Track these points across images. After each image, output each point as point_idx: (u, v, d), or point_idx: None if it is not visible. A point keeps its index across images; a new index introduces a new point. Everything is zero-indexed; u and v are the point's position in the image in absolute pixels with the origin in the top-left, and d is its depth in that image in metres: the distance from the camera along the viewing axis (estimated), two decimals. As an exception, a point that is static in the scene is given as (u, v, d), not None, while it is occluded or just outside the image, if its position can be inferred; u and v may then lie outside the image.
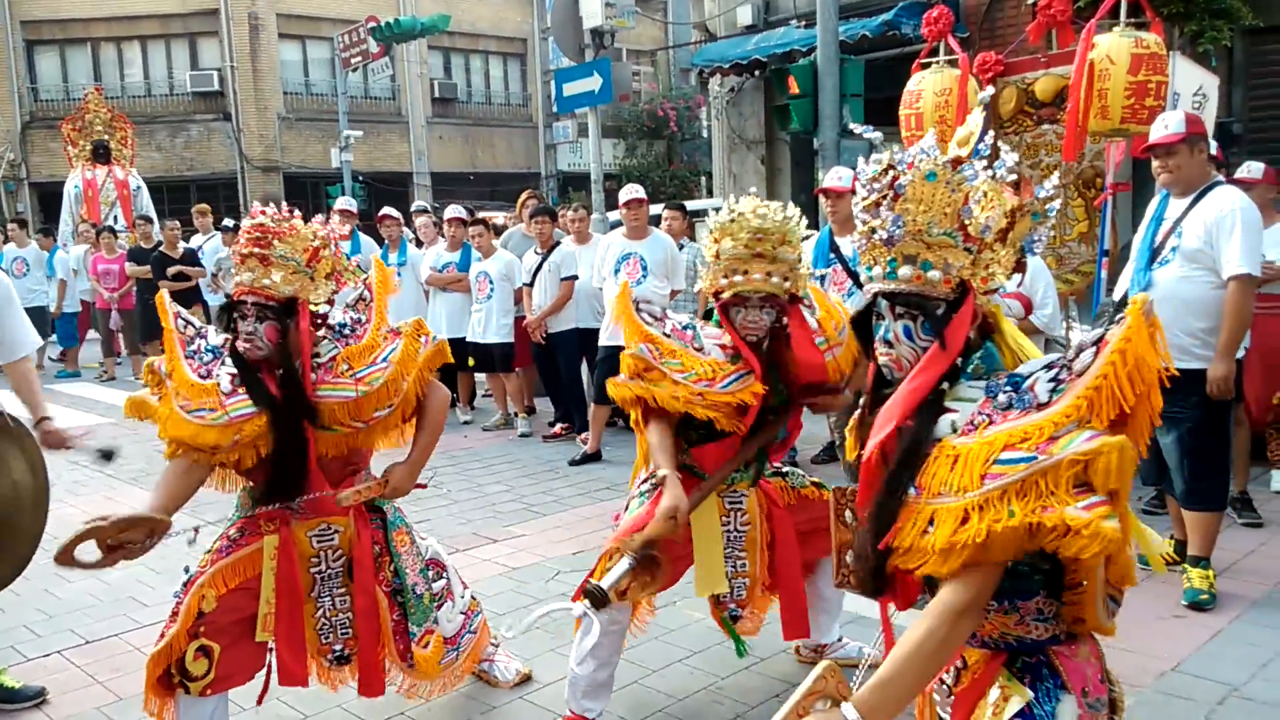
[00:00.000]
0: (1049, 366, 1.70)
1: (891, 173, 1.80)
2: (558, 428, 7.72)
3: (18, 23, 21.53)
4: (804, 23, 10.33)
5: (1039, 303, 5.04)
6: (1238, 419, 5.21)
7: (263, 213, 2.79)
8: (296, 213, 2.86)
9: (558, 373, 7.62)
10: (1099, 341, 1.65)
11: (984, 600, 1.68)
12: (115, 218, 13.85)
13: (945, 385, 1.76)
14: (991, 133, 1.86)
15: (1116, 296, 4.36)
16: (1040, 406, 1.64)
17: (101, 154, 14.46)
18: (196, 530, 2.80)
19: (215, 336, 2.83)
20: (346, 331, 2.91)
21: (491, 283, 7.78)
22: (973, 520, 1.59)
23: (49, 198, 20.20)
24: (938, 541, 1.62)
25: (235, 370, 2.74)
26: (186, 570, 2.84)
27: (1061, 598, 1.77)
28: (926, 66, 6.19)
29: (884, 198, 1.80)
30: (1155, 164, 4.15)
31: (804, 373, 2.99)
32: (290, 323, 2.76)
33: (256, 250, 2.73)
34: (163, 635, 2.76)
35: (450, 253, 8.27)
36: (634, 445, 3.27)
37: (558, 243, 7.48)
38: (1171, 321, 4.02)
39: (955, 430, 1.70)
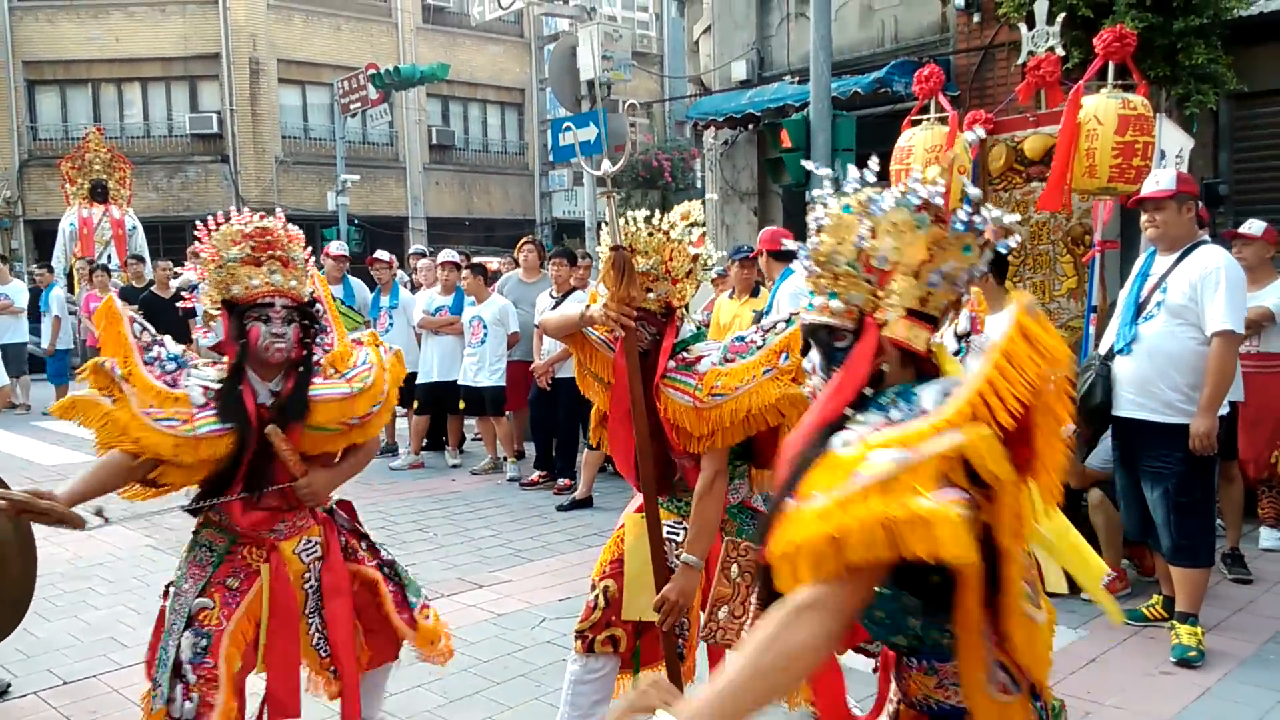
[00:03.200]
0: (947, 382, 1.65)
1: (818, 208, 1.81)
2: (535, 475, 7.69)
3: (20, 62, 21.71)
4: (797, 78, 10.50)
5: None
6: (1231, 476, 5.24)
7: (263, 216, 2.82)
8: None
9: (550, 419, 7.60)
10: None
11: (839, 607, 1.50)
12: (109, 256, 13.90)
13: (849, 412, 1.69)
14: (968, 186, 1.83)
15: (1103, 351, 4.40)
16: (925, 415, 1.57)
17: (99, 193, 14.55)
18: (101, 513, 2.67)
19: (174, 345, 2.77)
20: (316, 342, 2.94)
21: (485, 327, 7.80)
22: (831, 516, 1.46)
23: (44, 235, 20.21)
24: (795, 537, 1.48)
25: (210, 382, 2.70)
26: (198, 634, 2.69)
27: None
28: (917, 123, 6.29)
29: (810, 234, 1.82)
30: (1144, 218, 4.24)
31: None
32: (310, 324, 2.81)
33: (275, 253, 2.75)
34: (203, 701, 2.64)
35: (443, 296, 8.30)
36: (626, 491, 3.27)
37: (575, 288, 7.42)
38: (1156, 376, 4.08)
39: (844, 444, 1.61)
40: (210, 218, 2.79)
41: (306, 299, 2.81)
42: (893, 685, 1.87)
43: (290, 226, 2.85)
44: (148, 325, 2.77)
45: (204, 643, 2.68)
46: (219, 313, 2.77)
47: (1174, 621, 4.16)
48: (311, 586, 2.92)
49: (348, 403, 2.80)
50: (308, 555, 2.91)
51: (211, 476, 2.69)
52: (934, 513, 1.38)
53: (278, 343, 2.70)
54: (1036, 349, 1.50)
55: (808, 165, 2.22)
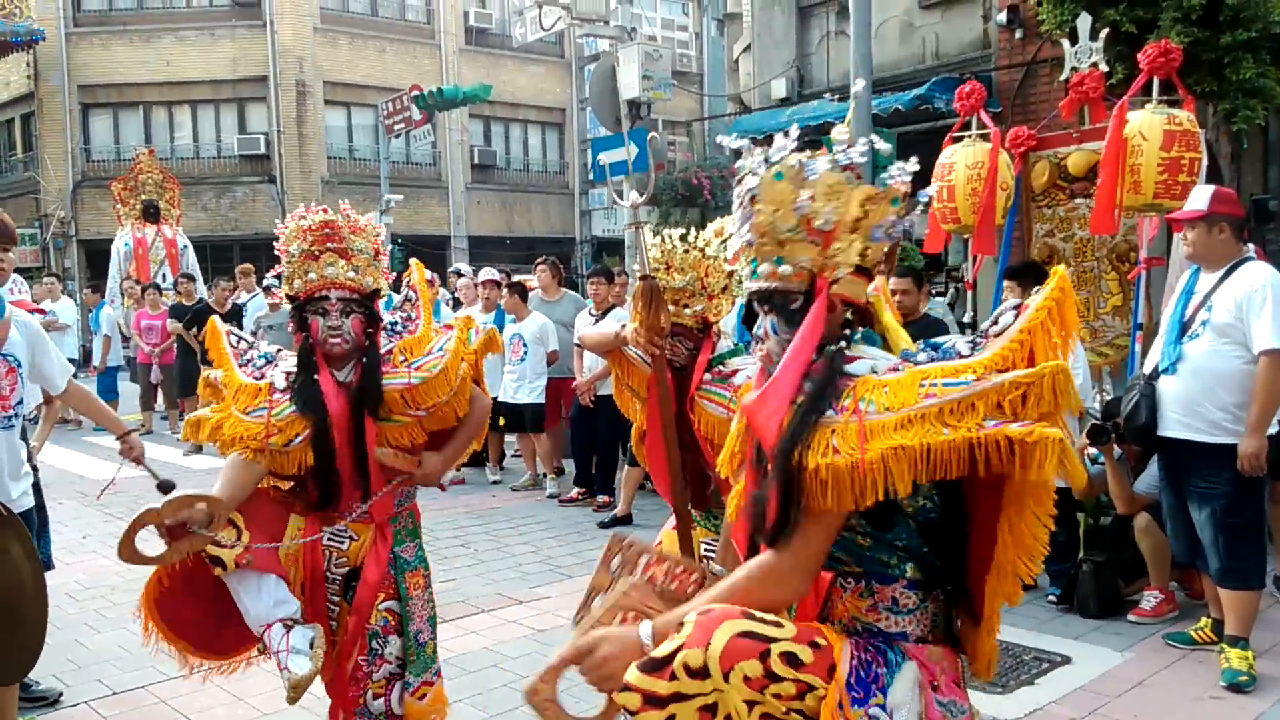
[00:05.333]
0: (963, 336, 1.77)
1: (749, 179, 1.87)
2: (574, 492, 7.72)
3: (75, 86, 22.29)
4: (837, 96, 10.49)
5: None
6: (1277, 497, 5.13)
7: (324, 210, 2.84)
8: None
9: (590, 436, 7.63)
10: (1018, 308, 1.71)
11: (810, 567, 1.74)
12: (164, 275, 14.18)
13: (844, 344, 1.81)
14: (864, 140, 1.89)
15: (1147, 370, 4.34)
16: (963, 358, 1.69)
17: (151, 213, 14.86)
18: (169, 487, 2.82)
19: (266, 346, 2.91)
20: (399, 329, 2.97)
21: (525, 345, 7.86)
22: (913, 429, 1.60)
23: (96, 255, 20.68)
24: (872, 452, 1.60)
25: (291, 369, 2.79)
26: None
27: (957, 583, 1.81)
28: (959, 140, 6.27)
29: (743, 205, 1.88)
30: (1178, 237, 4.19)
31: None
32: (374, 315, 2.85)
33: (332, 245, 2.78)
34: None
35: (484, 314, 8.38)
36: (665, 509, 3.27)
37: (613, 305, 7.45)
38: (1202, 395, 4.01)
39: (875, 373, 1.74)
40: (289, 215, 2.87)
41: (368, 289, 2.82)
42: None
43: (358, 217, 2.88)
44: (244, 336, 2.94)
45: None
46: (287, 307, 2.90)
47: (1223, 645, 4.08)
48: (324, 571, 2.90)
49: (409, 393, 2.80)
50: (331, 540, 2.89)
51: (311, 464, 2.75)
52: (1029, 433, 1.53)
53: (334, 335, 2.74)
54: (1075, 314, 1.66)
55: (725, 140, 2.24)
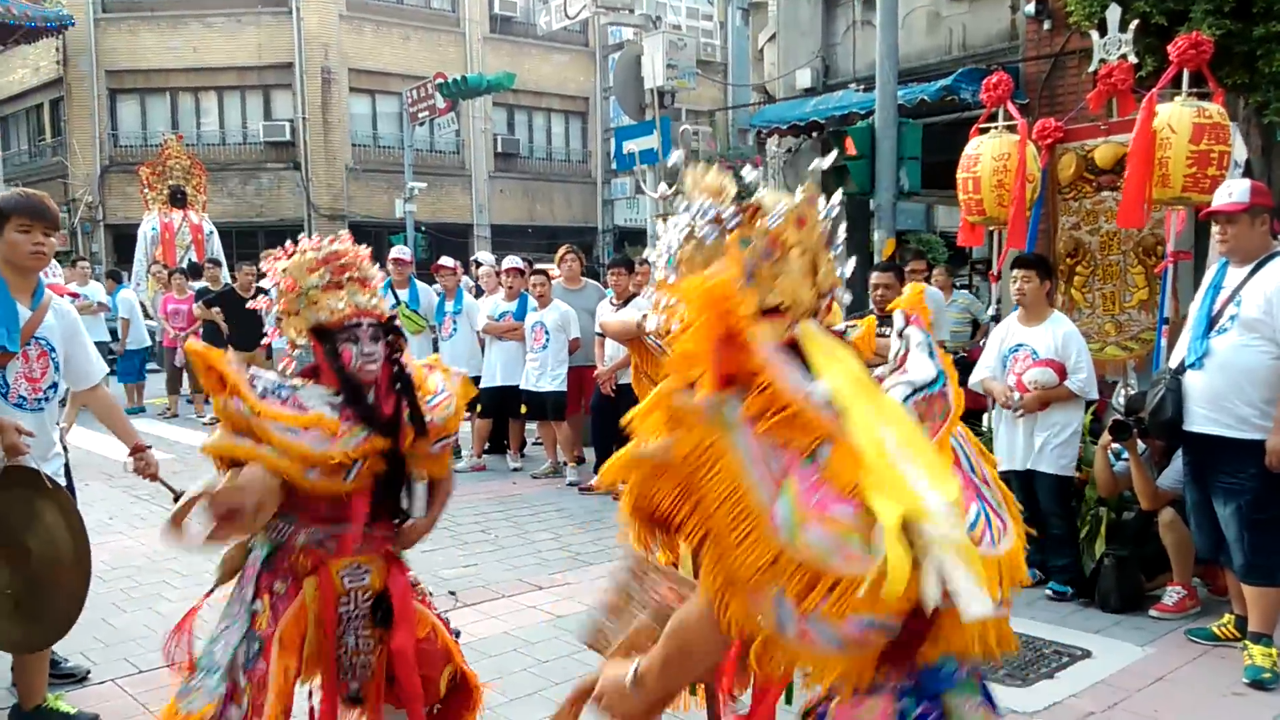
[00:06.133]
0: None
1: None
2: (594, 480, 7.74)
3: (103, 72, 22.50)
4: (862, 86, 10.43)
5: (1072, 368, 4.99)
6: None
7: (334, 240, 2.82)
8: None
9: (611, 425, 7.64)
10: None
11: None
12: (190, 260, 14.31)
13: None
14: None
15: (1173, 364, 4.31)
16: None
17: (178, 199, 15.00)
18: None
19: (269, 375, 2.72)
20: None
21: (547, 333, 7.89)
22: None
23: (123, 240, 20.89)
24: None
25: (331, 397, 2.68)
26: (251, 638, 2.67)
27: None
28: (985, 131, 6.22)
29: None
30: (1215, 230, 4.14)
31: None
32: (396, 338, 2.81)
33: (354, 275, 2.76)
34: (253, 706, 2.60)
35: (507, 302, 8.41)
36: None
37: (634, 294, 7.41)
38: (1229, 390, 3.98)
39: None
40: (272, 253, 2.78)
41: (388, 315, 2.82)
42: None
43: (358, 244, 2.86)
44: (242, 365, 2.71)
45: (256, 646, 2.66)
46: (306, 342, 2.76)
47: (1247, 641, 4.06)
48: (347, 611, 2.82)
49: (434, 428, 2.80)
50: (351, 580, 2.84)
51: (369, 487, 2.70)
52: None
53: (369, 361, 2.71)
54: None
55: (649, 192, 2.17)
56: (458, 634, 3.06)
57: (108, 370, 3.88)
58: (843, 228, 1.82)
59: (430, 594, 3.06)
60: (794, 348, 1.71)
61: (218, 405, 2.60)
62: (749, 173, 1.86)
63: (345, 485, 2.64)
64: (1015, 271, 5.26)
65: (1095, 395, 5.22)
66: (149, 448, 3.80)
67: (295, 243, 2.83)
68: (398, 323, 2.89)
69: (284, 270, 2.76)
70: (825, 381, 1.56)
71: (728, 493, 1.46)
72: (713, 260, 1.73)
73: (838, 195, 1.85)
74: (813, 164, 1.87)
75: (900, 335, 1.78)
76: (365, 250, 2.86)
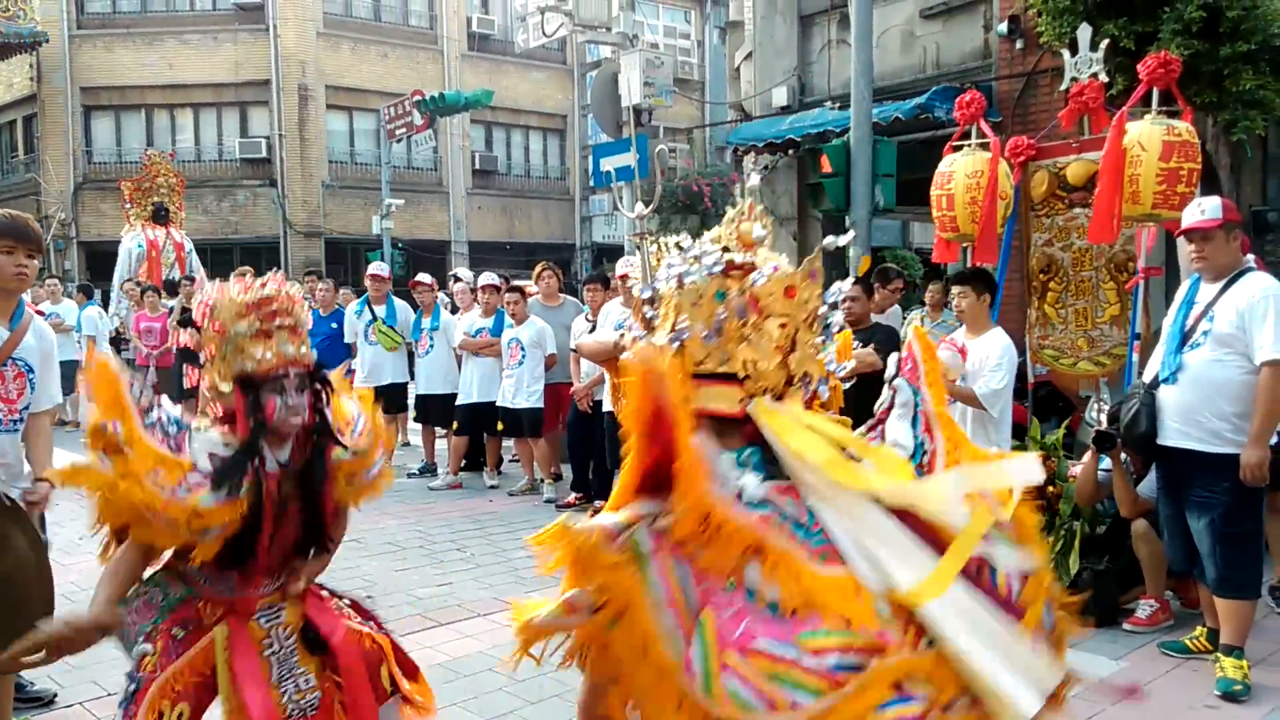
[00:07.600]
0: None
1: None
2: (571, 497, 7.71)
3: (77, 88, 22.33)
4: (838, 104, 10.51)
5: (987, 375, 5.02)
6: (1276, 507, 5.13)
7: (264, 283, 2.64)
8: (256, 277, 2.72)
9: (587, 441, 7.63)
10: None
11: None
12: (173, 278, 14.17)
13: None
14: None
15: (1146, 379, 4.35)
16: None
17: (161, 216, 14.84)
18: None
19: (172, 408, 2.58)
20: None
21: (523, 349, 7.86)
22: None
23: (96, 257, 20.73)
24: None
25: (219, 448, 2.51)
26: (131, 679, 2.57)
27: None
28: (959, 149, 6.27)
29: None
30: (1189, 248, 4.18)
31: None
32: (321, 388, 2.67)
33: (285, 322, 2.60)
34: None
35: (484, 319, 8.39)
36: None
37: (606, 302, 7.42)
38: (1202, 405, 4.02)
39: None
40: (206, 291, 2.63)
41: (314, 364, 2.66)
42: None
43: (290, 287, 2.68)
44: (145, 387, 2.55)
45: (133, 688, 2.55)
46: (228, 388, 2.58)
47: (1218, 654, 4.08)
48: (274, 654, 2.70)
49: (347, 464, 2.71)
50: (267, 620, 2.71)
51: (227, 548, 2.52)
52: None
53: (293, 414, 2.57)
54: None
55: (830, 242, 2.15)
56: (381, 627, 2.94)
57: (60, 401, 3.80)
58: (837, 316, 1.78)
59: (337, 594, 2.93)
60: (746, 421, 1.66)
61: (94, 424, 2.40)
62: (753, 176, 1.86)
63: (204, 541, 2.46)
64: (953, 289, 5.32)
65: (995, 412, 5.17)
66: (53, 487, 3.49)
67: (271, 268, 2.74)
68: (326, 372, 2.73)
69: (215, 313, 2.60)
70: (752, 477, 1.52)
71: (639, 647, 1.42)
72: (684, 309, 1.69)
73: (849, 282, 1.83)
74: (825, 240, 1.82)
75: (890, 385, 1.74)
76: (297, 292, 2.70)
